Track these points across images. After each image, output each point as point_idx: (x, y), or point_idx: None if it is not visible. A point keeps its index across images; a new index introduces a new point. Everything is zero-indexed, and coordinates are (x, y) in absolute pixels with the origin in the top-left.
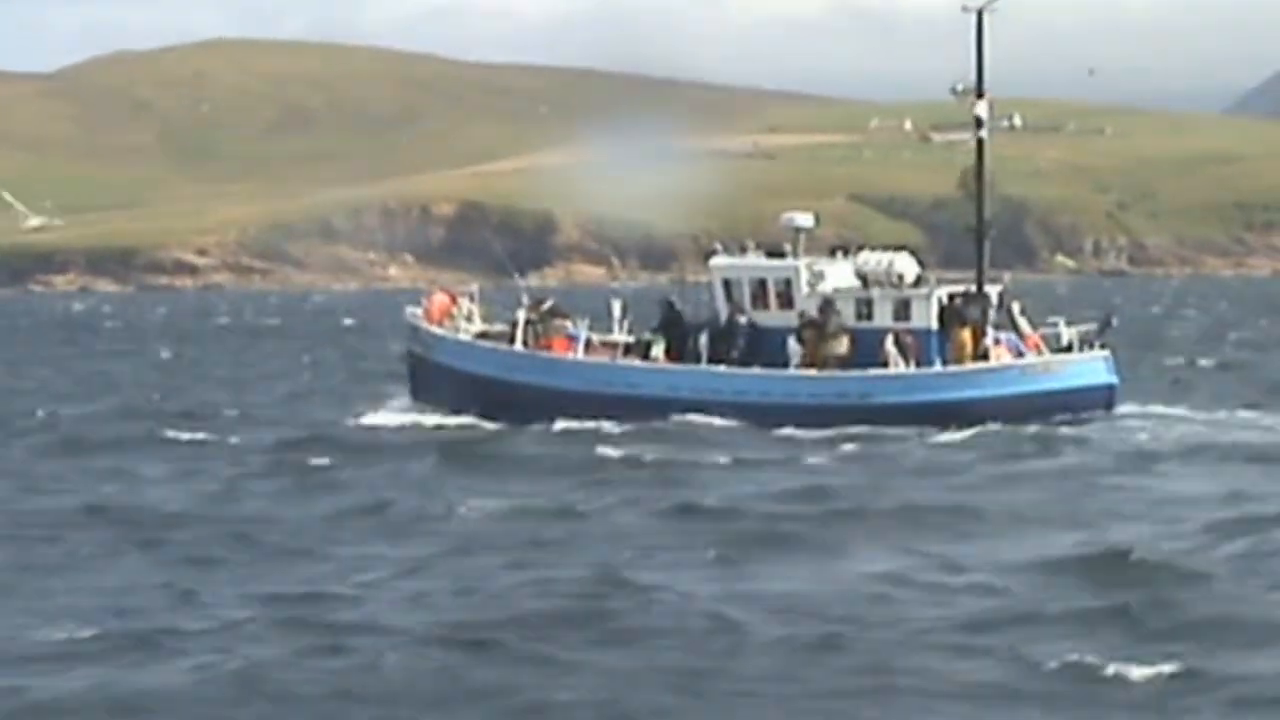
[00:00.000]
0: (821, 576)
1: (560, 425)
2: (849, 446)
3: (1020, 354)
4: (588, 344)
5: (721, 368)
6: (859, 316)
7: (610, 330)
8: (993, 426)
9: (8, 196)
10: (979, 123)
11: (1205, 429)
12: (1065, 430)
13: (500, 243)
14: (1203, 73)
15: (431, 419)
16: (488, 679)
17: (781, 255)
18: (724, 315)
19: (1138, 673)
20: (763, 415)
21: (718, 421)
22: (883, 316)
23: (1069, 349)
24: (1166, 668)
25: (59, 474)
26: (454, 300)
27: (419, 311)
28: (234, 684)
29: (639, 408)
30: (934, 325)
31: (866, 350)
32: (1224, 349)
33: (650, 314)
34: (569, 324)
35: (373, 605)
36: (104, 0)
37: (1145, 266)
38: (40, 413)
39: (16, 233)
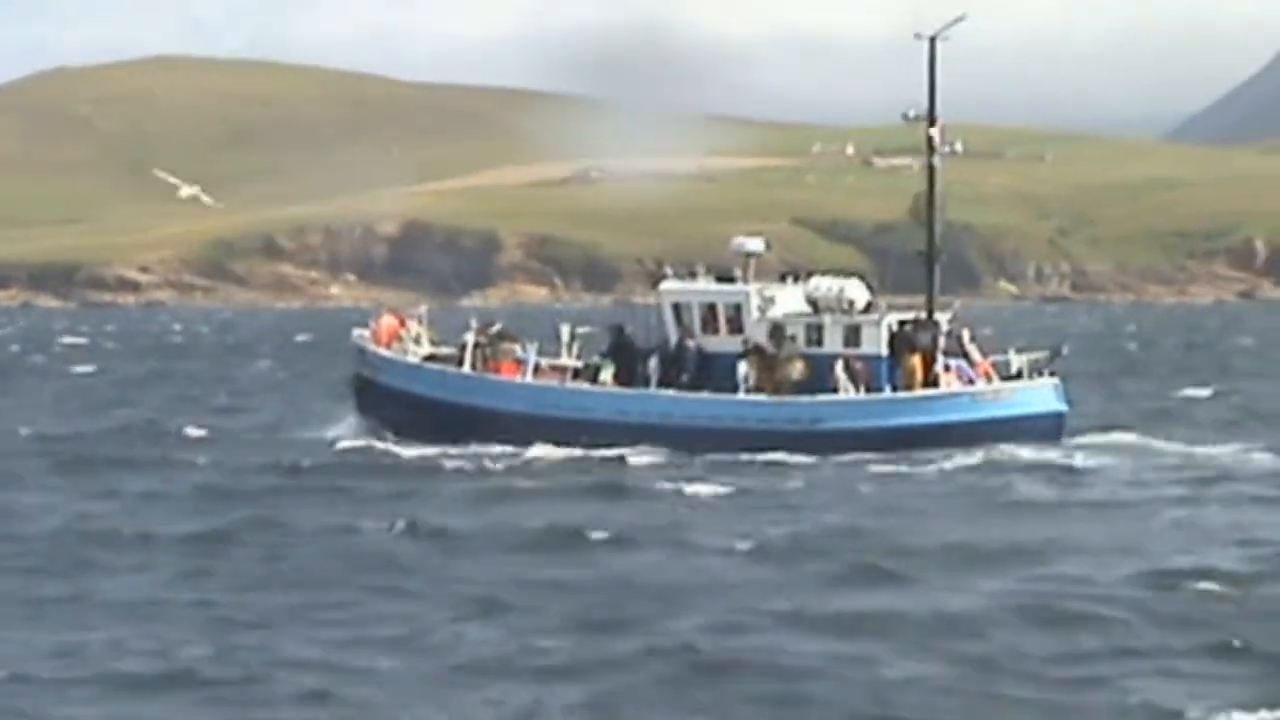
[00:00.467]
0: (930, 609)
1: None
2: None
3: (970, 381)
4: (536, 368)
5: (671, 392)
6: (809, 342)
7: (558, 354)
8: (992, 456)
9: None
10: (931, 149)
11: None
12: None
13: (444, 262)
14: (1144, 98)
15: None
16: None
17: (731, 280)
18: (673, 340)
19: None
20: (712, 440)
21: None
22: (833, 342)
23: (1019, 376)
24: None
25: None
26: (402, 322)
27: (366, 333)
28: None
29: (588, 431)
30: (884, 351)
31: (817, 376)
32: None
33: (594, 334)
34: (518, 347)
35: None
36: (43, 17)
37: (1087, 293)
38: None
39: None
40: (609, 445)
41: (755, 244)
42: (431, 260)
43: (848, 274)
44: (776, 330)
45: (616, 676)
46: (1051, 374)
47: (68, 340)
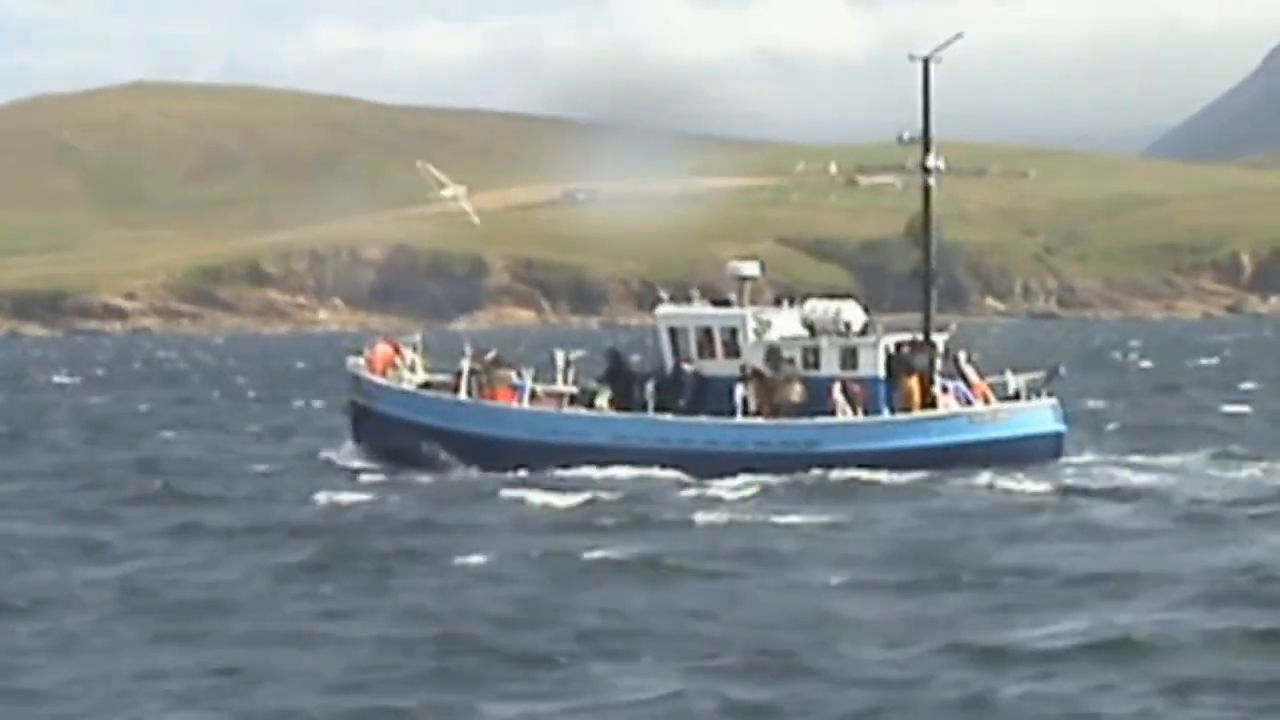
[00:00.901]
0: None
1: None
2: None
3: (968, 402)
4: (533, 394)
5: (668, 416)
6: (806, 365)
7: (554, 380)
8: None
9: None
10: (926, 170)
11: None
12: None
13: (431, 286)
14: (1122, 112)
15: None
16: None
17: (727, 304)
18: (669, 364)
19: None
20: (709, 464)
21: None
22: (830, 365)
23: (1016, 397)
24: None
25: None
26: (397, 350)
27: (361, 361)
28: None
29: (585, 457)
30: (881, 373)
31: (814, 398)
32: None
33: (585, 358)
34: (513, 374)
35: None
36: (20, 44)
37: (1075, 309)
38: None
39: None
40: (605, 469)
41: (751, 268)
42: (418, 285)
43: (839, 295)
44: (773, 353)
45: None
46: (1049, 394)
47: (57, 380)
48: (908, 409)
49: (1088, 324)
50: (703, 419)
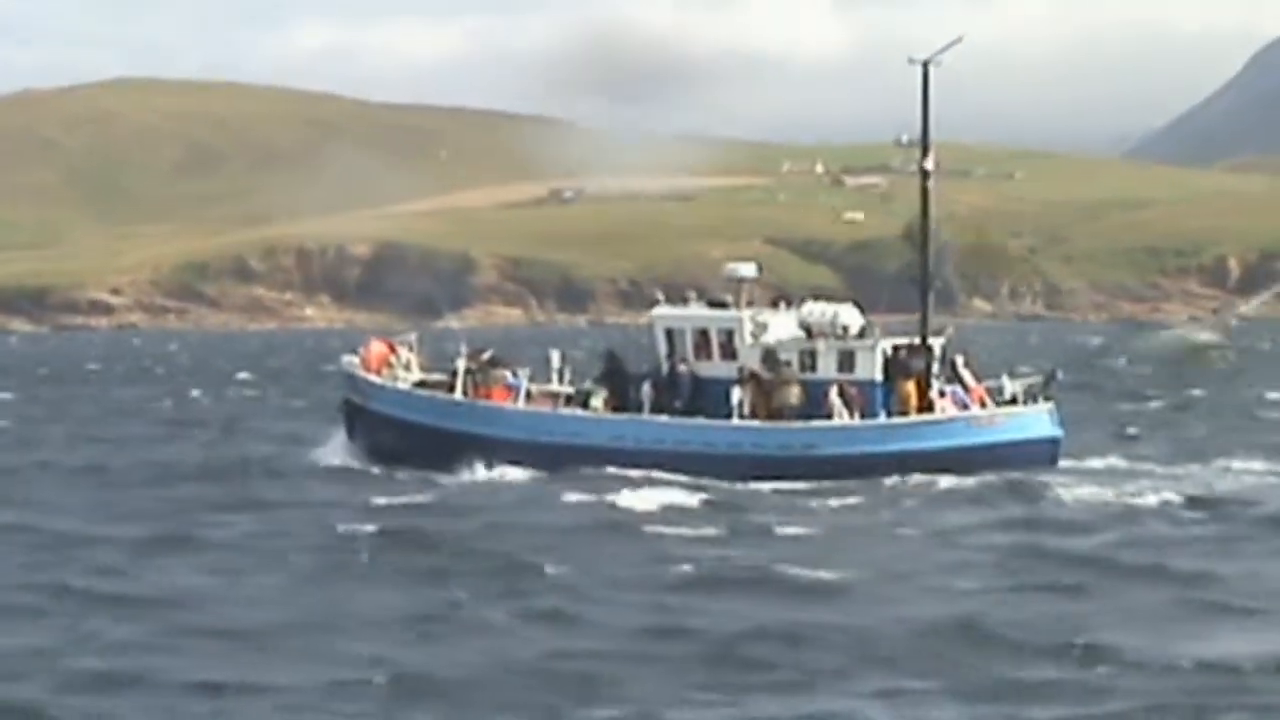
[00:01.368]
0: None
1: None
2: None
3: (965, 406)
4: (528, 394)
5: (664, 418)
6: (803, 367)
7: (549, 380)
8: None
9: None
10: (925, 174)
11: None
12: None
13: (418, 284)
14: (1104, 115)
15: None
16: None
17: (724, 305)
18: (666, 366)
19: None
20: (706, 466)
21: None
22: (827, 368)
23: (1013, 402)
24: None
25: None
26: (392, 349)
27: (355, 360)
28: None
29: (580, 457)
30: (878, 377)
31: (811, 401)
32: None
33: (575, 357)
34: (509, 374)
35: None
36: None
37: (1061, 311)
38: None
39: None
40: (600, 469)
41: (748, 269)
42: (405, 282)
43: (826, 295)
44: (770, 356)
45: None
46: (1047, 399)
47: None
48: (905, 413)
49: (1074, 326)
50: (699, 420)
